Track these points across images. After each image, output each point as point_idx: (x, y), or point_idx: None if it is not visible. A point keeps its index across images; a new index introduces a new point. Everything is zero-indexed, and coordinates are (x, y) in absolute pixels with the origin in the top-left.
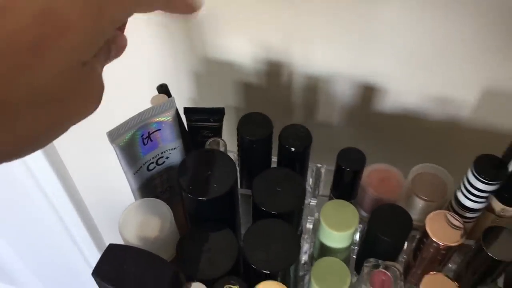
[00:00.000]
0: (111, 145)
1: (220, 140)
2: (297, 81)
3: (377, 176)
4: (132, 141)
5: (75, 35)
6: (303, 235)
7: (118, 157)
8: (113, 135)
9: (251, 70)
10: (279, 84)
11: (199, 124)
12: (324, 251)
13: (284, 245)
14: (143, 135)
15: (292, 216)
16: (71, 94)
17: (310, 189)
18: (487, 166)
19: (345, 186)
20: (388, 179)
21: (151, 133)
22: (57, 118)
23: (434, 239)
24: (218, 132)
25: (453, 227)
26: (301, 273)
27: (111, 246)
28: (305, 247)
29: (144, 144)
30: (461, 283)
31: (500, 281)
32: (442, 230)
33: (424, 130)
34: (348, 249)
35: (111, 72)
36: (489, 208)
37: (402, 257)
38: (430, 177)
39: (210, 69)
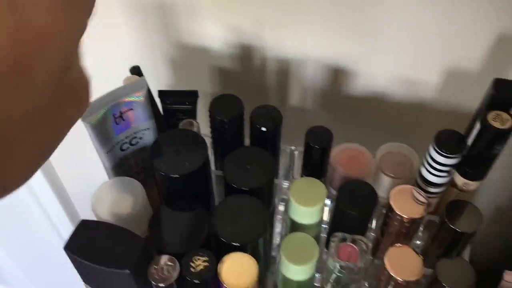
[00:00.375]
0: (83, 123)
1: (193, 121)
2: (270, 65)
3: (346, 155)
4: (104, 120)
5: (55, 43)
6: (276, 215)
7: (90, 136)
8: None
9: (225, 55)
10: (253, 68)
11: (173, 107)
12: (294, 228)
13: (253, 219)
14: (114, 114)
15: (262, 192)
16: (64, 102)
17: (283, 172)
18: (447, 141)
19: (315, 164)
20: (356, 158)
21: (123, 113)
22: (56, 132)
23: (398, 213)
24: (192, 114)
25: (416, 201)
26: (274, 254)
27: (84, 222)
28: (278, 227)
29: (117, 124)
30: (428, 258)
31: (466, 254)
32: (406, 204)
33: (391, 111)
34: (317, 225)
35: (86, 57)
36: (452, 184)
37: (372, 235)
38: (397, 155)
39: (185, 55)
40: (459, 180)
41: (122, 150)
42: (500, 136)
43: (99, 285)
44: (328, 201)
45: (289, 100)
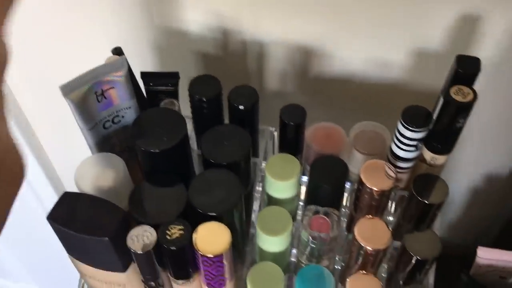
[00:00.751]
0: (65, 100)
1: (174, 101)
2: (250, 49)
3: (321, 133)
4: (86, 97)
5: None
6: (254, 194)
7: (72, 112)
8: (65, 89)
9: (206, 39)
10: (233, 52)
11: (156, 89)
12: (271, 203)
13: (227, 191)
14: (96, 91)
15: (239, 167)
16: None
17: (263, 153)
18: (413, 116)
19: (290, 141)
20: (331, 136)
21: (105, 91)
22: None
23: (368, 185)
24: (174, 96)
25: (387, 176)
26: (253, 231)
27: (66, 193)
28: (255, 205)
29: (99, 101)
30: (399, 232)
31: (436, 226)
32: (376, 177)
33: (365, 91)
34: (293, 200)
35: (70, 42)
36: (421, 159)
37: (347, 211)
38: (370, 133)
39: (168, 39)
40: (427, 154)
41: (105, 128)
42: (461, 109)
43: (81, 254)
44: (304, 178)
45: (269, 83)
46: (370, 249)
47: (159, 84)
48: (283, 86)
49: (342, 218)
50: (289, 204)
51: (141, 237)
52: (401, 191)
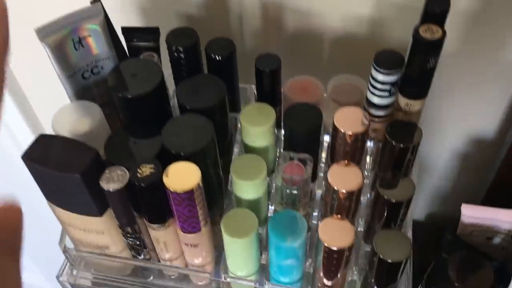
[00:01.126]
0: (42, 45)
1: (154, 54)
2: (233, 11)
3: (298, 86)
4: (63, 43)
5: None
6: (233, 148)
7: (49, 58)
8: (41, 33)
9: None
10: (218, 13)
11: (137, 44)
12: (247, 152)
13: (199, 133)
14: (73, 39)
15: (213, 113)
16: None
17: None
18: (385, 59)
19: (266, 91)
20: (309, 87)
21: (82, 38)
22: None
23: (341, 130)
24: (156, 51)
25: (359, 121)
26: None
27: (42, 135)
28: (235, 151)
29: (76, 49)
30: (378, 181)
31: (414, 176)
32: (348, 122)
33: (343, 47)
34: (269, 150)
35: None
36: (397, 107)
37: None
38: (348, 86)
39: (153, 1)
40: (402, 101)
41: (84, 78)
42: (430, 47)
43: (57, 197)
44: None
45: (252, 43)
46: (343, 191)
47: (141, 40)
48: (264, 45)
49: (321, 168)
50: (265, 154)
51: (114, 177)
52: (377, 143)
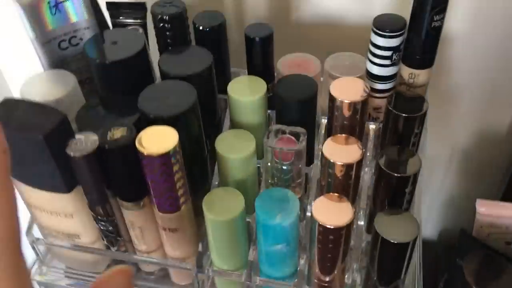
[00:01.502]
0: (14, 5)
1: (139, 28)
2: None
3: (295, 63)
4: (38, 5)
5: None
6: (222, 126)
7: (21, 20)
8: None
9: None
10: None
11: (123, 22)
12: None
13: (180, 98)
14: (49, 1)
15: (199, 82)
16: None
17: None
18: (386, 21)
19: (257, 64)
20: (305, 64)
21: (59, 2)
22: None
23: (339, 99)
24: (144, 29)
25: (359, 90)
26: None
27: (6, 99)
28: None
29: (53, 14)
30: (379, 155)
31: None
32: (347, 91)
33: (341, 28)
34: (260, 127)
35: None
36: (401, 81)
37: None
38: (347, 62)
39: None
40: (405, 72)
41: (60, 48)
42: (435, 3)
43: (19, 166)
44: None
45: (245, 21)
46: (340, 164)
47: (126, 17)
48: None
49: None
50: (255, 133)
51: (83, 143)
52: (380, 124)
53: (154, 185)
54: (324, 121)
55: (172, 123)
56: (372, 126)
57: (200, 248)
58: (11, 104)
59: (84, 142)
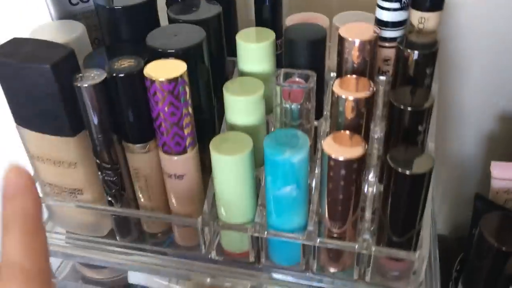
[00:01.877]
0: None
1: None
2: None
3: (303, 19)
4: None
5: None
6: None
7: None
8: None
9: None
10: None
11: None
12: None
13: (189, 36)
14: None
15: (208, 26)
16: None
17: None
18: None
19: (265, 19)
20: (314, 20)
21: None
22: None
23: (349, 38)
24: None
25: (369, 31)
26: None
27: (15, 38)
28: None
29: None
30: (390, 91)
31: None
32: (356, 32)
33: None
34: (268, 79)
35: None
36: (410, 29)
37: None
38: (355, 19)
39: None
40: (415, 16)
41: (72, 4)
42: None
43: (26, 112)
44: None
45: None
46: (351, 98)
47: None
48: None
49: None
50: (263, 78)
51: (90, 76)
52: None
53: (160, 120)
54: (331, 82)
55: (181, 57)
56: (382, 78)
57: (205, 206)
58: (19, 41)
59: (92, 76)
